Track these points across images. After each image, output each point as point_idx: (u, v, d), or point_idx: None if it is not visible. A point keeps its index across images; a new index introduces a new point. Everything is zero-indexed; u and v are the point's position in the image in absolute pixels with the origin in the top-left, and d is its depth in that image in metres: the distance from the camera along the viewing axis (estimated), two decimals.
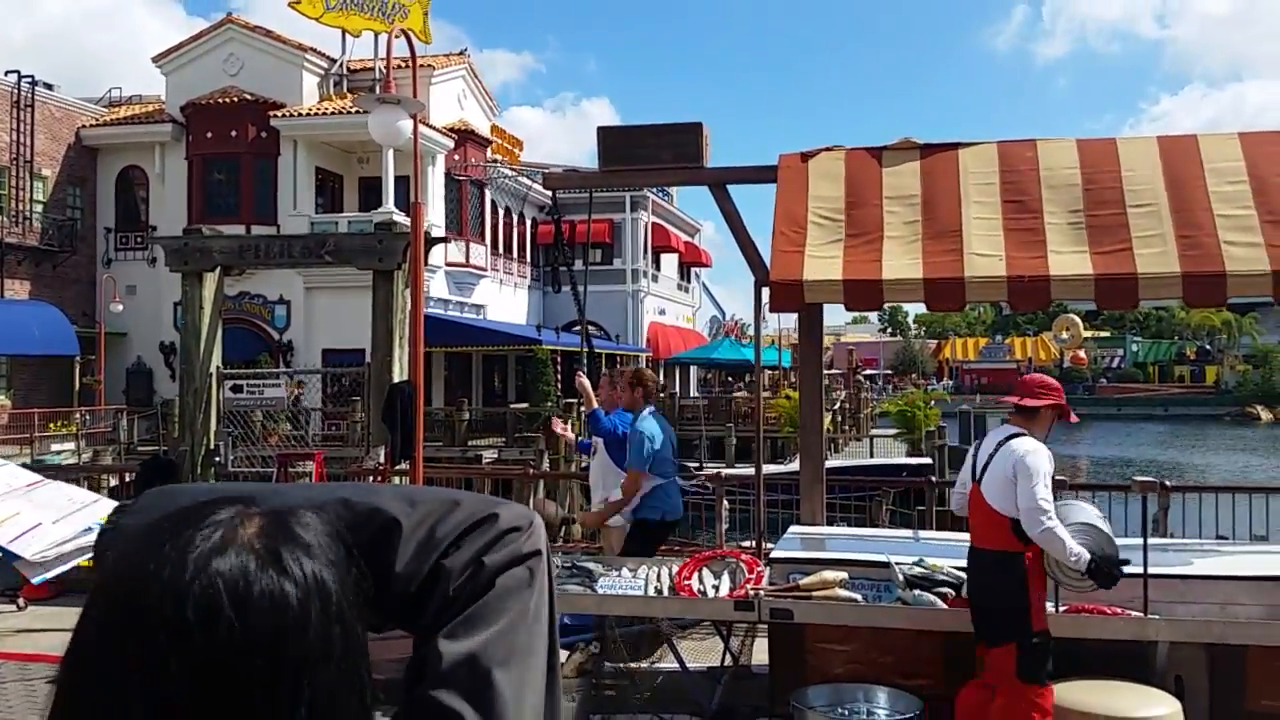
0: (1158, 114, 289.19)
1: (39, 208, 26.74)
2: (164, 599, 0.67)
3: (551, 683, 0.87)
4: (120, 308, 26.66)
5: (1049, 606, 4.97)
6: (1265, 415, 57.90)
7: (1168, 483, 6.62)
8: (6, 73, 26.16)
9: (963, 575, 5.13)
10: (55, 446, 22.60)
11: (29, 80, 26.27)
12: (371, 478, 8.59)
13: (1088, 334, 59.62)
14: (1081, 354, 61.97)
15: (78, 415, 24.27)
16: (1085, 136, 6.66)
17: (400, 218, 18.34)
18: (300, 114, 26.44)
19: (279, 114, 26.33)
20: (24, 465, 10.76)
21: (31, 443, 21.94)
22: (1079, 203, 5.99)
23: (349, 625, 0.73)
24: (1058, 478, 5.70)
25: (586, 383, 7.37)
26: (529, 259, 34.82)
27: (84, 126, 28.03)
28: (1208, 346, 68.82)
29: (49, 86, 27.56)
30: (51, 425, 23.66)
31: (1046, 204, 6.05)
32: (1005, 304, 6.23)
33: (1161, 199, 5.86)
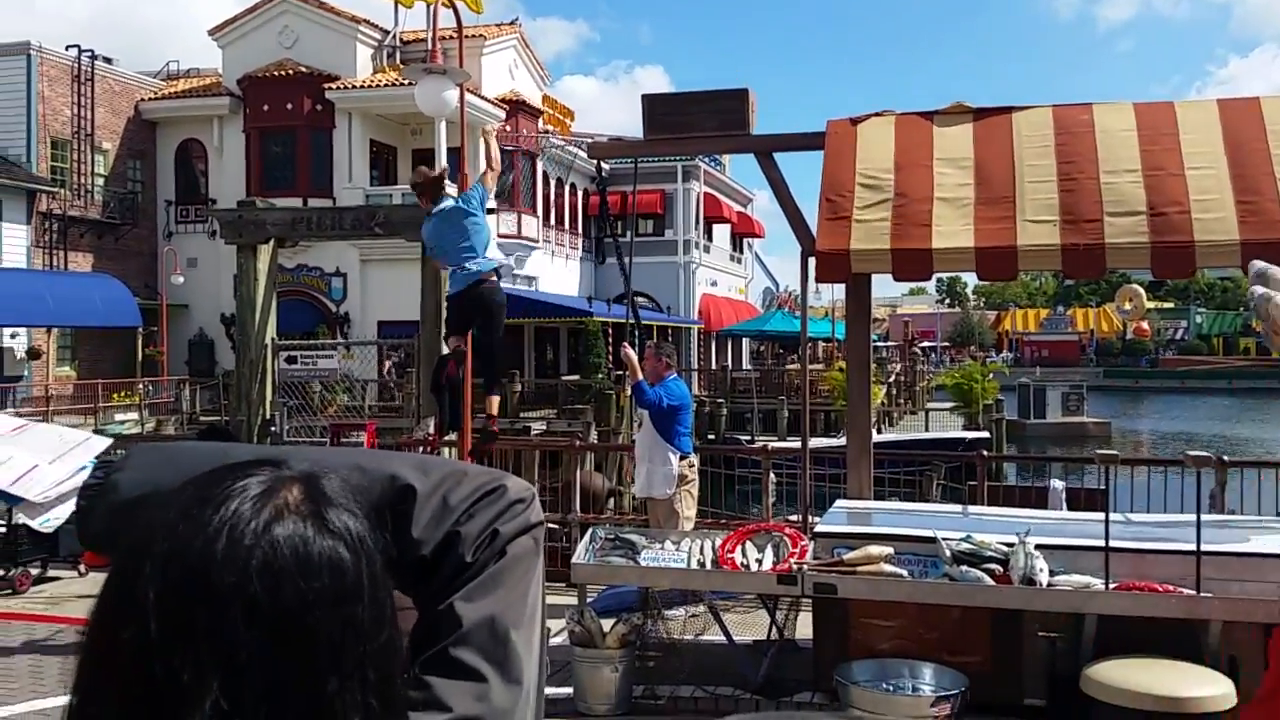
0: (1225, 77, 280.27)
1: (100, 181, 27.26)
2: (227, 569, 0.68)
3: (542, 644, 0.93)
4: (181, 279, 27.15)
5: (1098, 583, 4.87)
6: None
7: (1225, 458, 6.42)
8: (67, 47, 26.62)
9: (1008, 550, 5.03)
10: (119, 416, 23.14)
11: (89, 55, 26.72)
12: (420, 448, 8.66)
13: (1151, 305, 58.23)
14: (1145, 326, 60.52)
15: (141, 386, 24.81)
16: (1148, 100, 6.44)
17: (452, 189, 18.40)
18: (354, 86, 26.59)
19: (333, 86, 26.51)
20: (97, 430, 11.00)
21: (96, 413, 22.48)
22: (1137, 165, 5.80)
23: (389, 587, 0.76)
24: (1108, 450, 5.56)
25: (632, 353, 7.35)
26: (580, 230, 34.80)
27: (143, 100, 28.46)
28: None
29: (108, 61, 28.01)
30: (115, 396, 24.23)
31: (1103, 169, 5.87)
32: (1060, 273, 6.07)
33: (1221, 163, 5.66)
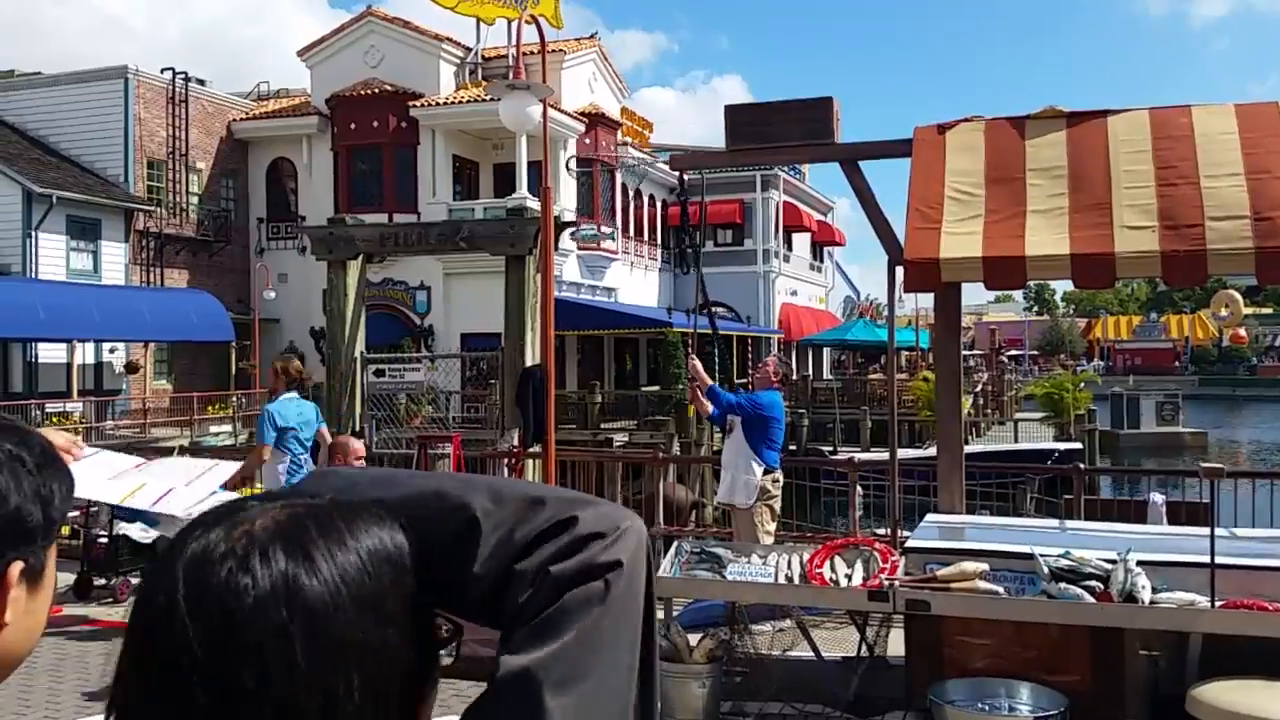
0: None
1: (194, 200, 28.16)
2: (159, 604, 0.71)
3: (646, 708, 0.80)
4: (273, 295, 27.90)
5: (1204, 600, 4.69)
6: None
7: None
8: (162, 70, 27.59)
9: (1109, 567, 4.88)
10: (213, 428, 23.84)
11: (183, 77, 27.64)
12: (506, 460, 8.74)
13: (1248, 311, 56.06)
14: (1242, 332, 58.31)
15: (234, 398, 25.53)
16: (1247, 101, 6.23)
17: (532, 203, 18.61)
18: (438, 103, 27.06)
19: (418, 104, 27.01)
20: (181, 447, 11.33)
21: (190, 424, 23.19)
22: (1239, 169, 5.60)
23: (364, 626, 0.72)
24: (1211, 463, 5.35)
25: (698, 363, 7.37)
26: (659, 241, 34.88)
27: (235, 120, 29.35)
28: None
29: (201, 82, 28.96)
30: (209, 408, 24.97)
31: (1203, 173, 5.68)
32: (1159, 279, 5.88)
33: None
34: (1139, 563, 4.88)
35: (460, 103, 27.01)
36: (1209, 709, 4.31)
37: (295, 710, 0.69)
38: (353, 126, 27.46)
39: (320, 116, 28.21)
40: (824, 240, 43.27)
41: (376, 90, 27.23)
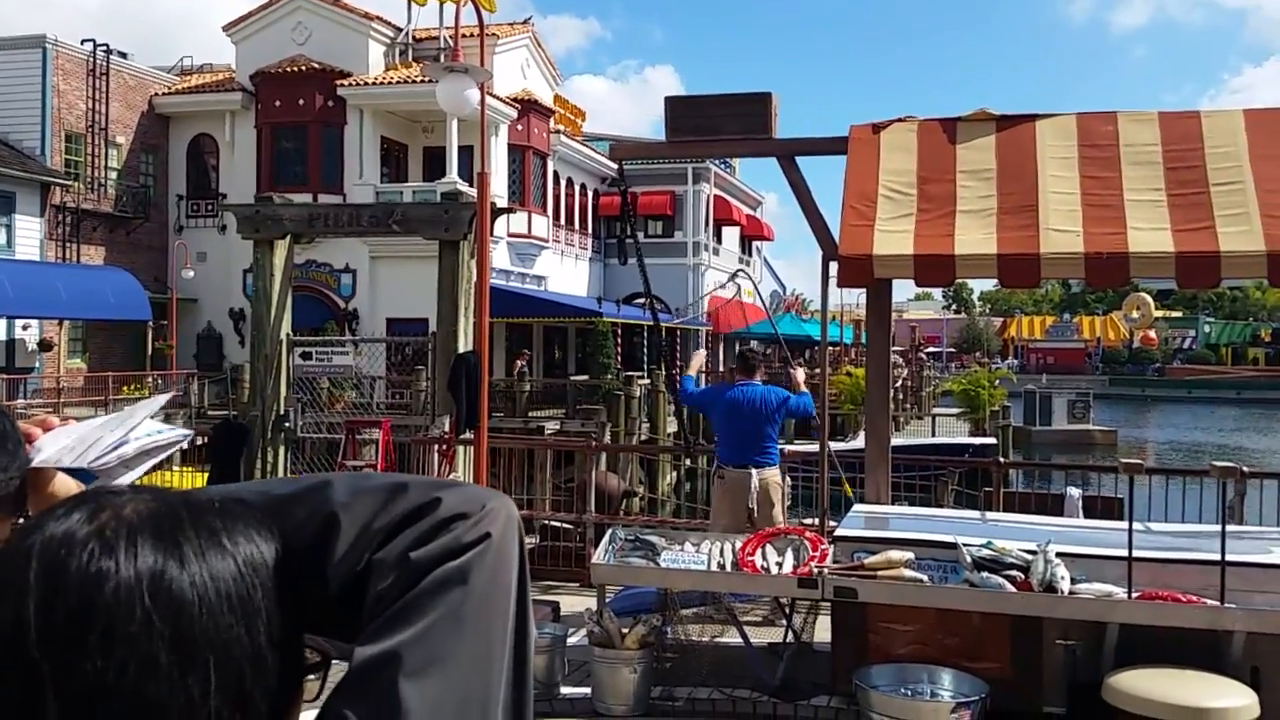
0: (1240, 85, 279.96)
1: (113, 175, 27.32)
2: (7, 589, 0.66)
3: (518, 690, 0.77)
4: (191, 274, 27.20)
5: (1120, 592, 4.88)
6: None
7: (1245, 469, 6.43)
8: (83, 41, 26.69)
9: (1029, 558, 5.04)
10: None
11: (104, 49, 26.78)
12: (437, 447, 8.69)
13: (1159, 314, 58.13)
14: (1152, 334, 60.46)
15: (150, 379, 24.86)
16: (1163, 109, 6.47)
17: (465, 188, 18.43)
18: (366, 83, 26.63)
19: (345, 83, 26.55)
20: None
21: (105, 405, 22.52)
22: (1160, 178, 5.82)
23: (231, 627, 0.68)
24: (1130, 459, 5.56)
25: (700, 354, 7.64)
26: (590, 230, 34.82)
27: (156, 95, 28.51)
28: None
29: (123, 55, 28.06)
30: (125, 389, 24.26)
31: (1127, 179, 5.89)
32: (1081, 280, 6.08)
33: (1247, 175, 5.67)
34: (1058, 554, 5.06)
35: (390, 83, 26.62)
36: (1124, 696, 4.49)
37: (150, 708, 0.65)
38: (278, 104, 26.87)
39: (245, 93, 27.56)
40: (753, 234, 43.61)
41: (303, 68, 26.68)
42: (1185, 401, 53.64)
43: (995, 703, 4.89)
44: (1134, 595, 4.82)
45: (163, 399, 1.43)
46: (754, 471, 7.03)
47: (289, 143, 27.13)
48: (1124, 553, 4.88)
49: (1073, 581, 4.95)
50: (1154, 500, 7.62)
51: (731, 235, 41.30)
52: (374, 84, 26.67)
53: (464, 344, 8.83)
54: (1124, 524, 5.04)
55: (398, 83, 26.36)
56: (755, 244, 45.77)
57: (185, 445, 1.39)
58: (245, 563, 0.71)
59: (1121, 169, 5.97)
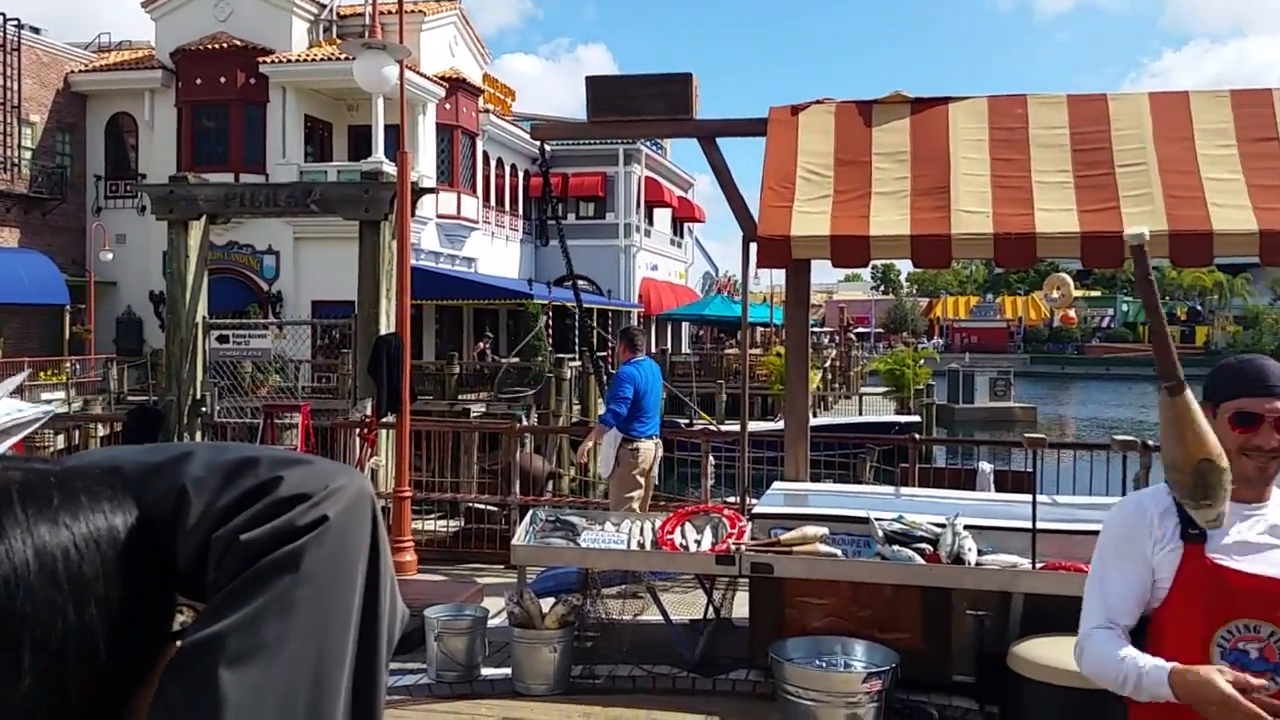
0: (1159, 70, 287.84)
1: (27, 155, 26.44)
2: None
3: (365, 677, 0.75)
4: (110, 256, 26.48)
5: (1025, 563, 5.02)
6: None
7: (1150, 442, 6.65)
8: None
9: (939, 530, 5.17)
10: (45, 395, 22.53)
11: (15, 23, 25.85)
12: (358, 430, 8.61)
13: (1078, 293, 59.39)
14: (1071, 314, 61.86)
15: (67, 364, 24.17)
16: (1084, 91, 6.62)
17: (389, 167, 18.18)
18: (289, 60, 26.10)
19: (268, 60, 26.00)
20: None
21: (21, 391, 21.83)
22: (1067, 160, 5.96)
23: (54, 606, 0.66)
24: (1034, 434, 5.72)
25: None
26: (521, 212, 34.61)
27: (73, 72, 27.62)
28: (1199, 307, 68.99)
29: (36, 30, 27.12)
30: (41, 374, 23.57)
31: (1035, 161, 6.03)
32: (993, 261, 6.22)
33: (1150, 158, 5.84)
34: (966, 527, 5.20)
35: (313, 61, 26.12)
36: (1027, 663, 4.63)
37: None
38: (198, 82, 26.22)
39: (164, 71, 26.83)
40: (684, 216, 43.74)
41: (225, 45, 26.05)
42: (1104, 379, 55.16)
43: (906, 672, 5.01)
44: (1038, 566, 4.97)
45: (19, 378, 1.41)
46: (659, 441, 7.77)
47: (210, 121, 26.50)
48: (1029, 525, 5.02)
49: (980, 553, 5.09)
50: (1065, 474, 7.85)
51: (663, 217, 41.37)
52: (297, 61, 26.15)
53: (386, 326, 8.74)
54: (1030, 497, 5.19)
55: (321, 60, 25.88)
56: (687, 226, 45.91)
57: (47, 421, 1.38)
58: (84, 537, 0.69)
59: (1030, 151, 6.11)
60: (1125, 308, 70.26)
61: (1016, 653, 4.76)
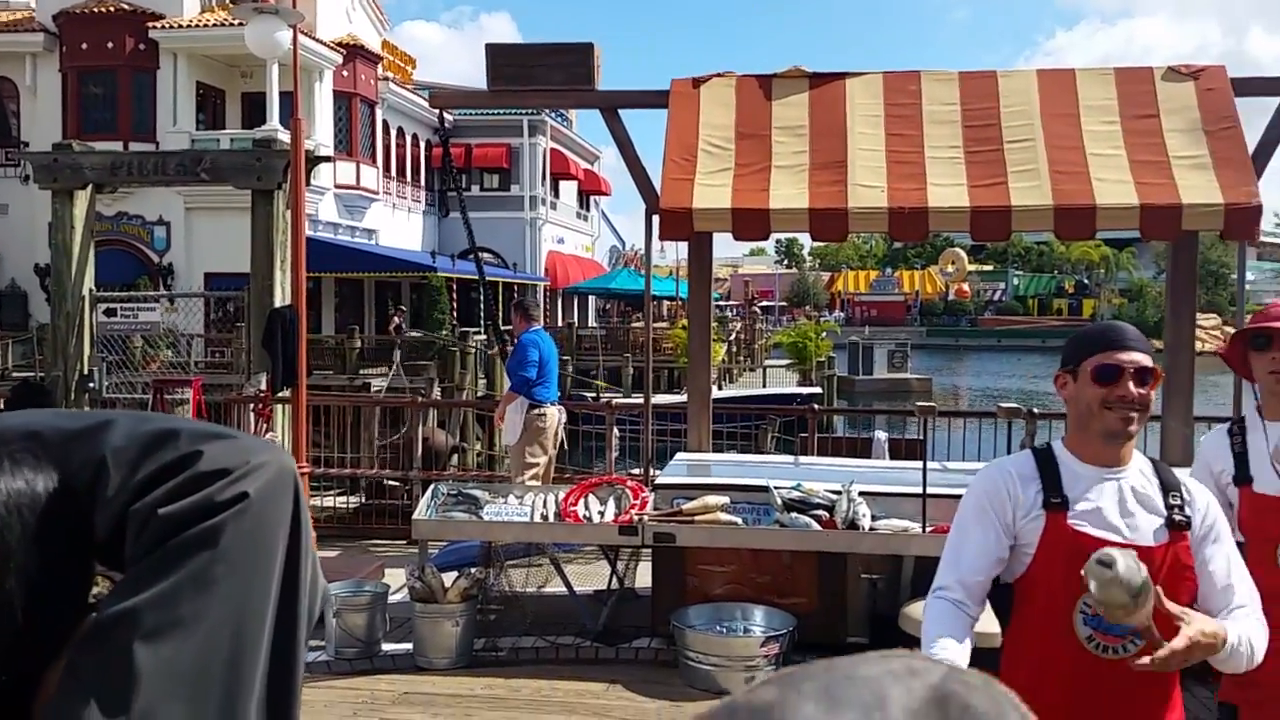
0: (1052, 48, 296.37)
1: None
2: None
3: (286, 659, 0.74)
4: None
5: (916, 527, 5.18)
6: None
7: (1035, 410, 6.90)
8: None
9: (835, 498, 5.30)
10: None
11: None
12: (252, 406, 8.41)
13: (972, 268, 61.32)
14: (965, 287, 63.84)
15: None
16: (980, 68, 6.78)
17: (283, 135, 17.68)
18: (179, 25, 25.16)
19: (158, 25, 25.01)
20: None
21: None
22: (958, 136, 6.11)
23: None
24: (926, 403, 5.90)
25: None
26: (423, 183, 34.04)
27: None
28: (1085, 281, 71.52)
29: None
30: None
31: (928, 137, 6.16)
32: (887, 234, 6.35)
33: (1037, 134, 6.02)
34: (861, 494, 5.34)
35: (205, 25, 25.21)
36: (915, 624, 4.78)
37: None
38: (84, 46, 25.08)
39: (47, 34, 25.59)
40: (591, 189, 43.57)
41: (111, 9, 24.96)
42: (996, 350, 56.89)
43: (803, 635, 5.14)
44: (928, 529, 5.14)
45: None
46: (561, 408, 8.07)
47: (97, 88, 25.41)
48: (920, 490, 5.18)
49: (874, 519, 5.24)
50: (955, 441, 8.11)
51: (569, 190, 41.16)
52: (188, 26, 25.22)
53: (281, 299, 8.54)
54: (921, 464, 5.35)
55: (214, 25, 25.00)
56: (593, 199, 45.77)
57: None
58: (4, 502, 0.68)
59: (924, 127, 6.24)
60: (1016, 282, 72.46)
61: (907, 613, 4.92)
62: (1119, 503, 2.18)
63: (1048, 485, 2.20)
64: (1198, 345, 6.78)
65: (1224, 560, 2.17)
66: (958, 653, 2.16)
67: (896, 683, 0.39)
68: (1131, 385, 2.16)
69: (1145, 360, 2.19)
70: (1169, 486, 2.20)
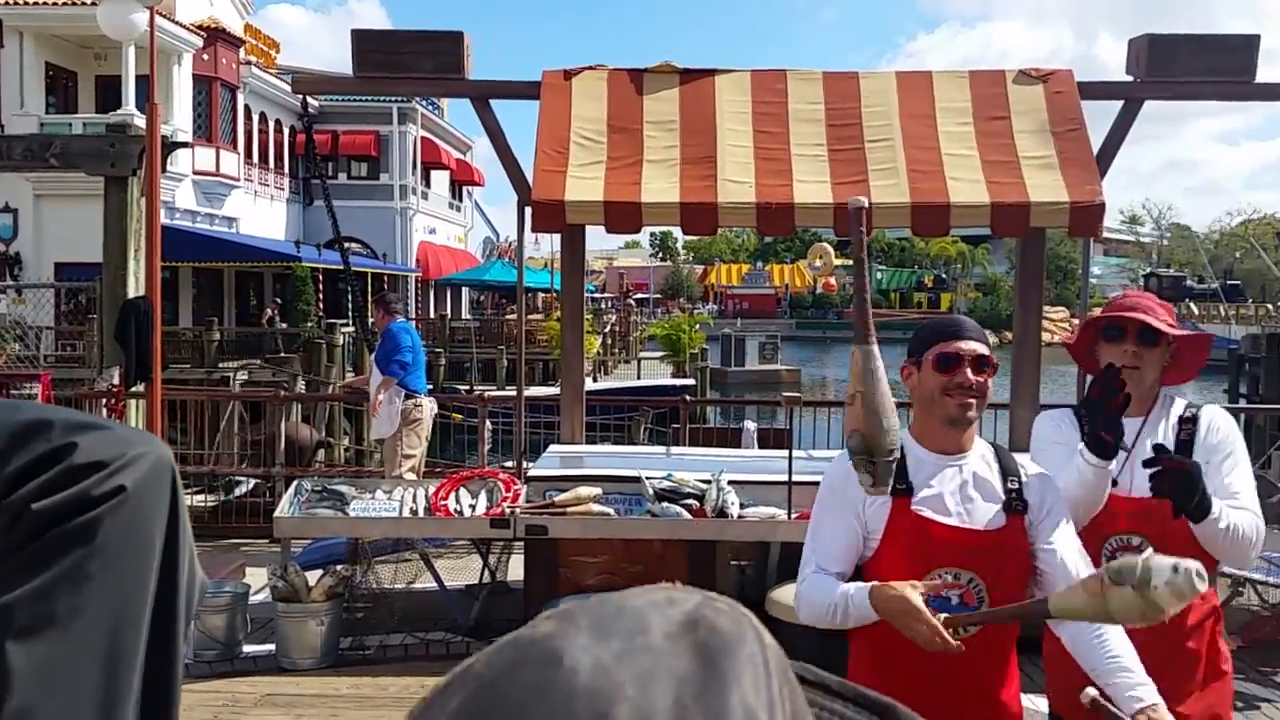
0: (914, 50, 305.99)
1: None
2: None
3: (165, 655, 0.73)
4: None
5: (782, 513, 5.31)
6: (992, 339, 63.07)
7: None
8: None
9: (705, 486, 5.38)
10: None
11: None
12: (105, 401, 8.05)
13: (839, 262, 62.72)
14: (832, 281, 65.44)
15: None
16: (845, 69, 6.96)
17: (139, 120, 16.94)
18: (26, 2, 23.82)
19: (3, 3, 23.61)
20: None
21: None
22: (822, 134, 6.27)
23: None
24: (792, 394, 6.05)
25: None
26: (287, 170, 33.04)
27: None
28: (944, 276, 74.27)
29: None
30: None
31: (794, 134, 6.31)
32: (755, 229, 6.48)
33: (896, 134, 6.22)
34: (730, 482, 5.44)
35: (54, 4, 23.92)
36: (780, 607, 4.90)
37: None
38: None
39: None
40: (463, 179, 43.01)
41: None
42: None
43: None
44: (793, 516, 5.27)
45: None
46: (433, 400, 8.07)
47: None
48: (786, 478, 5.31)
49: (742, 506, 5.35)
50: (820, 430, 8.34)
51: (441, 179, 40.56)
52: (36, 4, 23.90)
53: (135, 289, 8.19)
54: (787, 452, 5.48)
55: (64, 4, 23.74)
56: (466, 189, 45.23)
57: None
58: None
59: (790, 125, 6.38)
60: (879, 276, 74.70)
61: (774, 598, 5.04)
62: (959, 488, 2.28)
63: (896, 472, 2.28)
64: (1046, 336, 7.13)
65: (1064, 540, 2.29)
66: (852, 586, 2.23)
67: (656, 611, 0.45)
68: (969, 373, 2.29)
69: (982, 350, 2.33)
70: (1008, 471, 2.32)
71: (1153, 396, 2.65)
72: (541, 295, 37.85)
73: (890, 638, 2.19)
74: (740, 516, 5.29)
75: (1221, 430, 2.61)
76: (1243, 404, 22.21)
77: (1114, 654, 2.13)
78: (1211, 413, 2.66)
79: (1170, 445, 2.51)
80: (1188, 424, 2.62)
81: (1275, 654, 5.75)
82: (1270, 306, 44.68)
